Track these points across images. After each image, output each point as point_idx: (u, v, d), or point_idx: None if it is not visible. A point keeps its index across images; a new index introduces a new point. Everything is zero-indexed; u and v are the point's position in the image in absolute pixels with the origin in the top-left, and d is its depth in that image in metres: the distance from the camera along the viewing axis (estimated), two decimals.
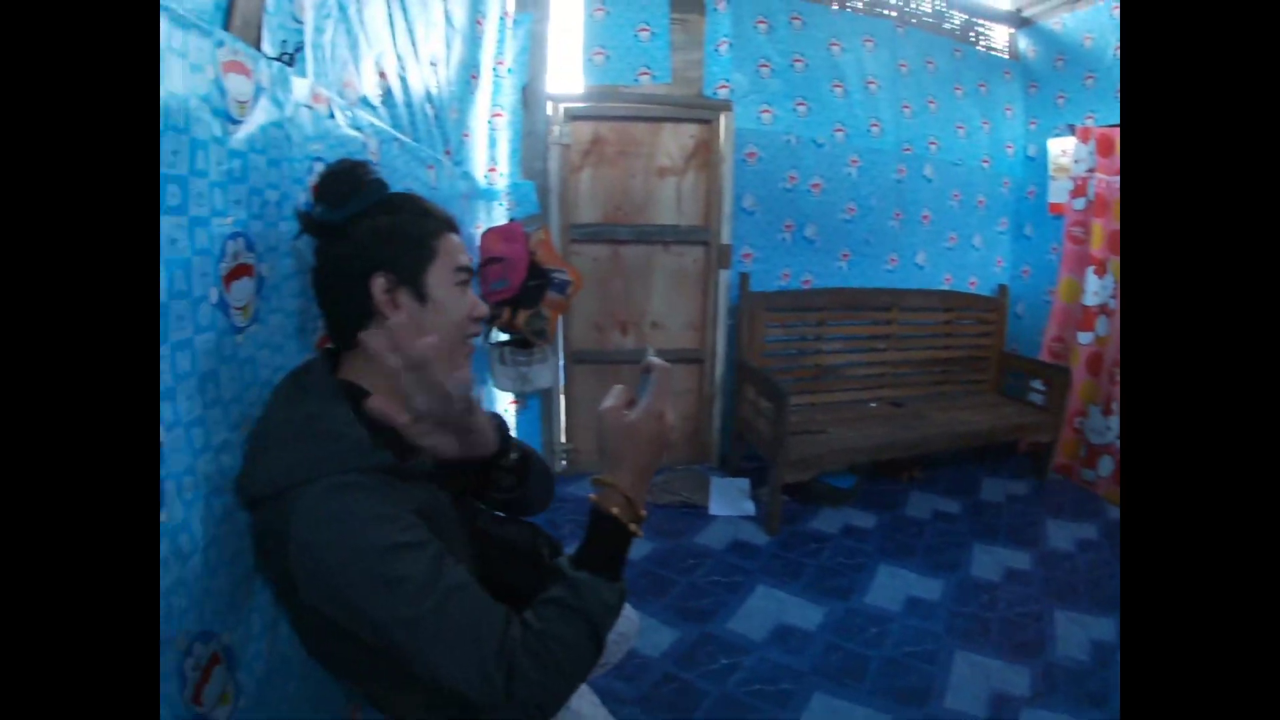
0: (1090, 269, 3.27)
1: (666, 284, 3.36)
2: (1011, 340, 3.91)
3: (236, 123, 0.83)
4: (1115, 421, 3.20)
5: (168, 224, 0.71)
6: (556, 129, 3.04)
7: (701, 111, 3.24)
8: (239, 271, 0.86)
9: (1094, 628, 2.16)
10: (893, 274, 3.74)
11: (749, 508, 2.99)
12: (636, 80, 3.14)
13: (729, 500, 3.05)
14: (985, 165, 3.89)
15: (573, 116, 3.10)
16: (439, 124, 1.96)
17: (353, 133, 1.22)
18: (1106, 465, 3.23)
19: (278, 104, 0.93)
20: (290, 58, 1.04)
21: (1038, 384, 3.50)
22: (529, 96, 2.91)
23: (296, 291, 1.03)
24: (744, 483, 3.21)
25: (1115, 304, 3.27)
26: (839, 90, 3.45)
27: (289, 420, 0.81)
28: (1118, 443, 3.18)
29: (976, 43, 3.84)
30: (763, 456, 2.95)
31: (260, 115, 0.89)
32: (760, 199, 3.38)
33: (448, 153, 2.06)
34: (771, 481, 2.78)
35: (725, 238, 3.32)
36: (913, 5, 3.64)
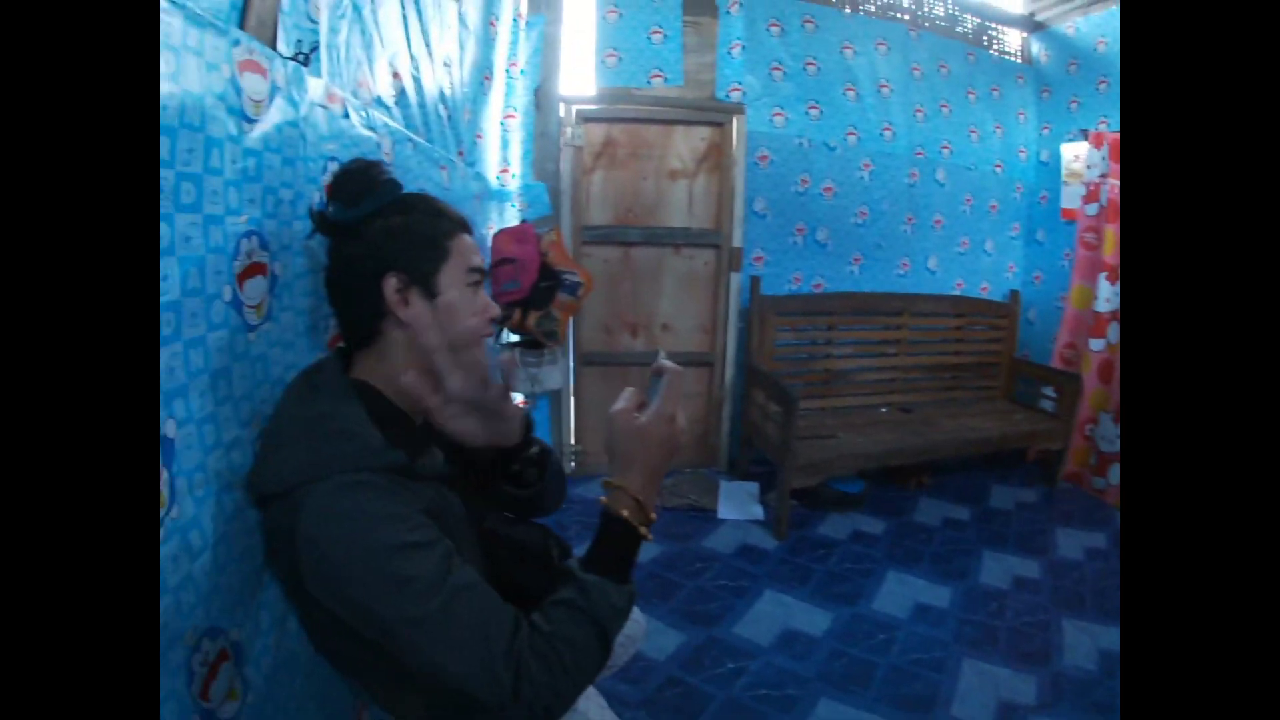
0: (1103, 275, 3.24)
1: (677, 287, 3.36)
2: (1023, 346, 3.89)
3: (252, 121, 0.84)
4: None
5: (182, 222, 0.71)
6: (569, 131, 3.05)
7: (713, 114, 3.24)
8: (252, 270, 0.86)
9: (1102, 637, 2.14)
10: (904, 279, 3.73)
11: (757, 512, 2.98)
12: (649, 83, 3.14)
13: (737, 504, 3.04)
14: (998, 170, 3.87)
15: (585, 118, 3.11)
16: (452, 125, 1.96)
17: (367, 133, 1.22)
18: (1117, 473, 3.20)
19: (292, 103, 0.94)
20: (305, 57, 1.04)
21: (1049, 391, 3.47)
22: (541, 98, 2.92)
23: (309, 290, 1.03)
24: (753, 487, 3.21)
25: None
26: (851, 94, 3.44)
27: (301, 418, 0.82)
28: None
29: (989, 47, 3.82)
30: (771, 461, 2.94)
31: (275, 114, 0.89)
32: (772, 202, 3.37)
33: (461, 153, 2.07)
34: (780, 486, 2.77)
35: (736, 241, 3.31)
36: (926, 9, 3.63)
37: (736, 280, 3.34)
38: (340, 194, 0.89)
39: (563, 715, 0.77)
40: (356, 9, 1.30)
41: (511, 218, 2.68)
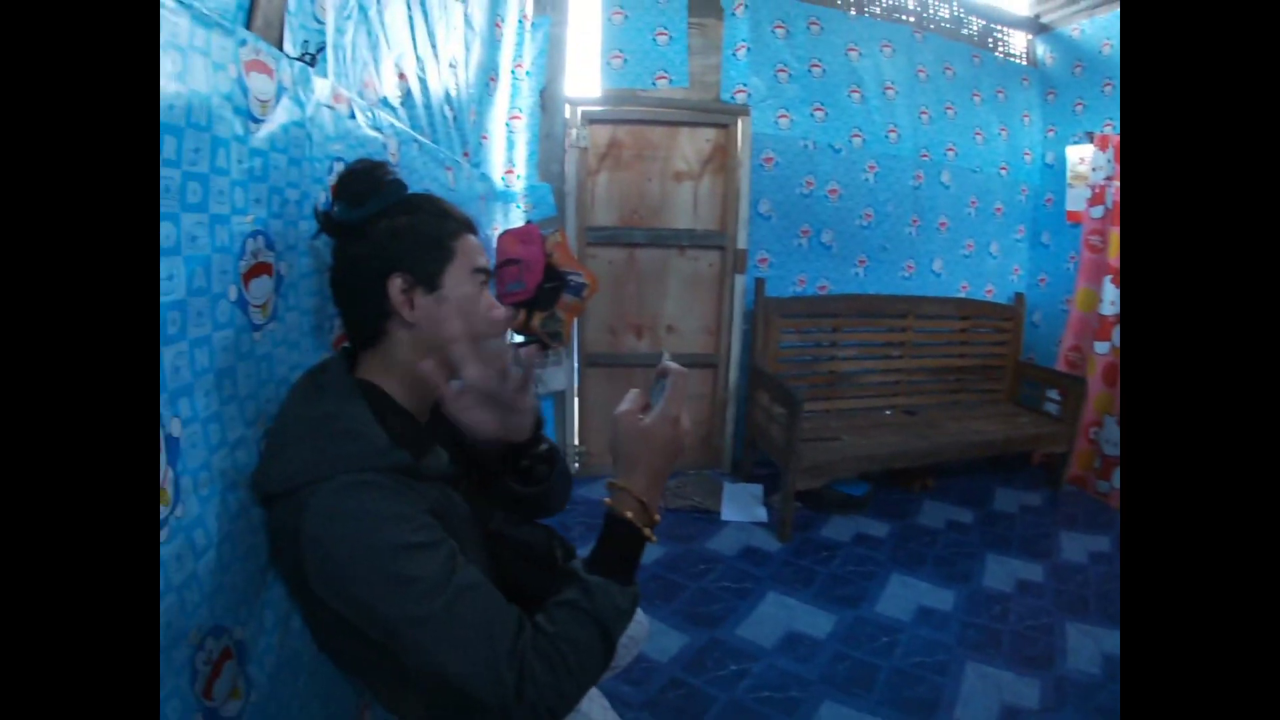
0: (1108, 278, 3.23)
1: (681, 288, 3.36)
2: (1027, 349, 3.88)
3: (258, 121, 0.84)
4: None
5: (188, 221, 0.71)
6: (574, 132, 3.05)
7: (718, 116, 3.24)
8: (258, 269, 0.86)
9: (1106, 641, 2.13)
10: (909, 281, 3.72)
11: (761, 514, 2.98)
12: (654, 84, 3.15)
13: (741, 506, 3.04)
14: (1003, 172, 3.86)
15: (590, 120, 3.11)
16: (458, 126, 1.97)
17: (372, 133, 1.22)
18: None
19: (299, 103, 0.94)
20: (312, 58, 1.05)
21: (1053, 394, 3.46)
22: (547, 99, 2.93)
23: (314, 290, 1.03)
24: (756, 488, 3.20)
25: None
26: (857, 96, 3.44)
27: (306, 418, 0.82)
28: None
29: (995, 49, 3.82)
30: (775, 462, 2.93)
31: (281, 114, 0.89)
32: (776, 204, 3.37)
33: (466, 154, 2.07)
34: (784, 488, 2.77)
35: (741, 242, 3.32)
36: (931, 11, 3.62)
37: (741, 282, 3.34)
38: (346, 194, 0.90)
39: (566, 716, 0.77)
40: (363, 10, 1.31)
41: (517, 219, 2.68)
